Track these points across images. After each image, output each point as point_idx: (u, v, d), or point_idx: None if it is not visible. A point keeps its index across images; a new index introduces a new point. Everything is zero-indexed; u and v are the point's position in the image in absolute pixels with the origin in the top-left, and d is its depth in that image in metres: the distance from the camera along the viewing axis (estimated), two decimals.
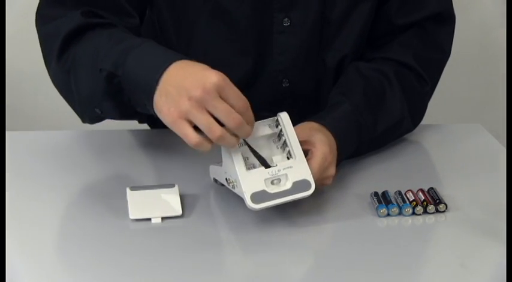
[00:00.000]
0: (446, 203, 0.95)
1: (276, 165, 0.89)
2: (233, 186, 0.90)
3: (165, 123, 0.87)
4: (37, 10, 1.06)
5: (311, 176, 0.89)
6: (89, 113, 1.02)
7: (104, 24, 1.00)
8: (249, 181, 0.87)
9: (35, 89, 1.96)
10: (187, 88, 0.83)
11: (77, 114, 1.05)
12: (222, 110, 0.83)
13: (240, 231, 0.90)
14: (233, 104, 0.84)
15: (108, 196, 0.97)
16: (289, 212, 0.93)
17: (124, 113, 0.99)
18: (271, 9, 1.08)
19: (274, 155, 0.91)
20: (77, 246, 0.87)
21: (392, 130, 1.10)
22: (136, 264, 0.83)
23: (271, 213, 0.92)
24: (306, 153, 0.92)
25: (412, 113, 1.12)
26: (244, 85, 1.12)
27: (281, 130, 0.91)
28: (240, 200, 0.91)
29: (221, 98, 0.84)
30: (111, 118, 1.01)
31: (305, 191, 0.88)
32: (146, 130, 1.23)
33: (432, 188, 0.97)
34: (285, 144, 0.91)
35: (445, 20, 1.15)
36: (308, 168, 0.89)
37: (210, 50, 1.11)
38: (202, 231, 0.90)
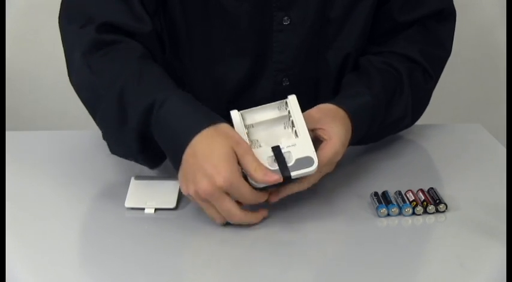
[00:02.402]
0: (446, 203, 0.95)
1: (281, 144, 0.89)
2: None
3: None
4: (59, 14, 1.05)
5: (314, 153, 0.89)
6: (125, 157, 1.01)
7: (117, 42, 1.00)
8: None
9: (35, 89, 1.96)
10: (196, 181, 0.86)
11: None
12: (223, 211, 0.88)
13: (231, 229, 0.90)
14: (241, 200, 0.88)
15: (108, 192, 0.97)
16: (287, 211, 0.93)
17: (160, 162, 0.98)
18: (271, 7, 1.08)
19: (282, 136, 0.91)
20: (75, 239, 0.87)
21: (394, 125, 1.11)
22: (121, 253, 0.84)
23: (268, 210, 0.92)
24: (320, 140, 0.93)
25: (413, 110, 1.12)
26: (244, 84, 1.13)
27: (289, 111, 0.91)
28: None
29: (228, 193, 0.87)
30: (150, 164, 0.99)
31: (307, 167, 0.88)
32: None
33: (432, 188, 0.97)
34: (292, 124, 0.91)
35: (447, 17, 1.15)
36: (312, 145, 0.89)
37: (210, 49, 1.11)
38: (191, 225, 0.90)
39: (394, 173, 1.06)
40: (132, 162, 1.07)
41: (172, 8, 1.09)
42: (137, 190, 0.95)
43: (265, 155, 0.88)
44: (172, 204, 0.93)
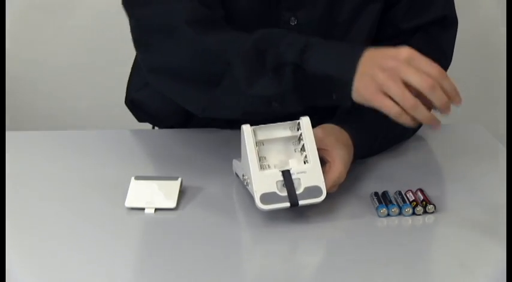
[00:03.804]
0: (447, 203, 0.94)
1: (291, 168, 0.89)
2: (246, 184, 0.91)
3: (363, 100, 0.89)
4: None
5: (323, 183, 0.90)
6: (254, 109, 0.97)
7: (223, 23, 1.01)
8: (261, 181, 0.88)
9: (35, 89, 1.96)
10: (379, 62, 0.88)
11: (198, 107, 1.02)
12: (414, 73, 0.86)
13: (231, 229, 0.90)
14: (427, 71, 0.87)
15: (108, 192, 0.97)
16: (287, 211, 0.93)
17: (303, 104, 0.97)
18: (278, 7, 1.07)
19: (291, 157, 0.92)
20: (75, 239, 0.87)
21: (395, 140, 1.12)
22: (121, 253, 0.85)
23: (268, 212, 0.92)
24: (324, 161, 0.93)
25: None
26: None
27: (301, 134, 0.91)
28: (241, 199, 0.91)
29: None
30: (289, 110, 0.98)
31: (315, 197, 0.89)
32: (147, 130, 1.23)
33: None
34: (303, 148, 0.91)
35: (449, 24, 1.15)
36: (322, 175, 0.90)
37: None
38: (191, 225, 0.91)
39: (394, 173, 1.06)
40: (132, 162, 1.07)
41: None
42: (137, 190, 0.95)
43: (274, 179, 0.89)
44: (173, 204, 0.93)
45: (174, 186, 0.96)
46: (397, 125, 1.09)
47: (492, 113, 2.00)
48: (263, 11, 1.07)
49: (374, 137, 1.04)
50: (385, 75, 0.86)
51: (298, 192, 0.88)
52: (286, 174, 0.89)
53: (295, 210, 0.93)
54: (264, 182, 0.88)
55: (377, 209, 0.93)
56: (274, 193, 0.88)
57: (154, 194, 0.94)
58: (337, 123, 1.01)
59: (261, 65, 0.94)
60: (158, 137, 1.18)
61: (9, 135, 1.11)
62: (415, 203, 0.94)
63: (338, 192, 0.98)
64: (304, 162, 0.91)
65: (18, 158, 1.08)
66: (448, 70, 1.20)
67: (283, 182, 0.89)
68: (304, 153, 0.91)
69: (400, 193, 0.96)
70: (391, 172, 1.06)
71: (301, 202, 0.88)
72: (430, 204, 0.94)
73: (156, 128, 1.30)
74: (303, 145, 0.91)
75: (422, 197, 0.95)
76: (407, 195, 0.96)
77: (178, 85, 1.01)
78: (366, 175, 1.04)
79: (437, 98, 0.87)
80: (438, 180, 1.06)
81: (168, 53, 1.01)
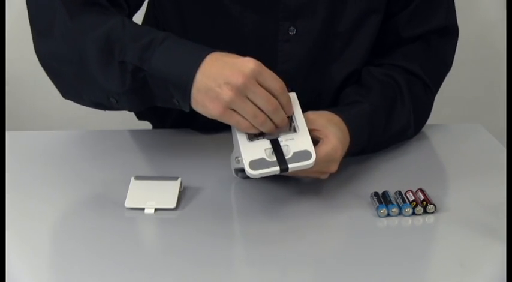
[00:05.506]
0: (447, 202, 0.94)
1: (279, 136, 0.90)
2: (238, 161, 0.91)
3: (210, 117, 0.88)
4: None
5: (312, 147, 0.89)
6: (98, 100, 0.99)
7: (107, 8, 0.98)
8: (250, 150, 0.89)
9: (35, 89, 1.96)
10: (227, 78, 0.85)
11: (65, 90, 1.02)
12: (261, 96, 0.86)
13: (231, 229, 0.90)
14: (270, 87, 0.87)
15: (108, 192, 0.97)
16: (288, 211, 0.93)
17: (141, 106, 0.97)
18: (277, 17, 1.07)
19: (280, 131, 0.92)
20: (75, 239, 0.87)
21: (396, 137, 1.11)
22: (121, 253, 0.84)
23: (268, 211, 0.92)
24: (317, 141, 0.93)
25: (415, 122, 1.13)
26: None
27: None
28: (241, 199, 0.91)
29: (258, 83, 0.87)
30: (124, 109, 0.99)
31: (305, 160, 0.88)
32: (147, 130, 1.23)
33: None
34: (291, 120, 0.92)
35: (450, 33, 1.15)
36: (310, 140, 0.90)
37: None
38: (191, 225, 0.91)
39: (394, 173, 1.06)
40: (132, 162, 1.07)
41: (177, 9, 1.08)
42: (137, 190, 0.95)
43: (262, 147, 0.89)
44: (173, 204, 0.93)
45: (174, 186, 0.96)
46: (398, 120, 1.09)
47: (492, 113, 2.00)
48: (260, 19, 1.07)
49: (370, 125, 1.03)
50: (232, 94, 0.85)
51: (287, 157, 0.88)
52: (274, 142, 0.89)
53: (295, 209, 0.93)
54: (252, 150, 0.89)
55: (377, 209, 0.93)
56: (263, 159, 0.88)
57: (154, 194, 0.95)
58: (329, 110, 1.01)
59: (109, 55, 0.92)
60: (158, 137, 1.18)
61: (9, 135, 1.11)
62: (415, 203, 0.94)
63: (338, 192, 0.98)
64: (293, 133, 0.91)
65: (18, 158, 1.08)
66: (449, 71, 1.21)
67: (271, 150, 0.89)
68: (293, 124, 0.91)
69: (400, 193, 0.96)
70: (391, 172, 1.06)
71: (291, 166, 0.88)
72: (431, 204, 0.94)
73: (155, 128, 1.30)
74: (291, 117, 0.91)
75: (422, 197, 0.95)
76: (408, 195, 0.96)
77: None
78: (366, 175, 1.04)
79: (278, 118, 0.89)
80: (438, 180, 1.06)
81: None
